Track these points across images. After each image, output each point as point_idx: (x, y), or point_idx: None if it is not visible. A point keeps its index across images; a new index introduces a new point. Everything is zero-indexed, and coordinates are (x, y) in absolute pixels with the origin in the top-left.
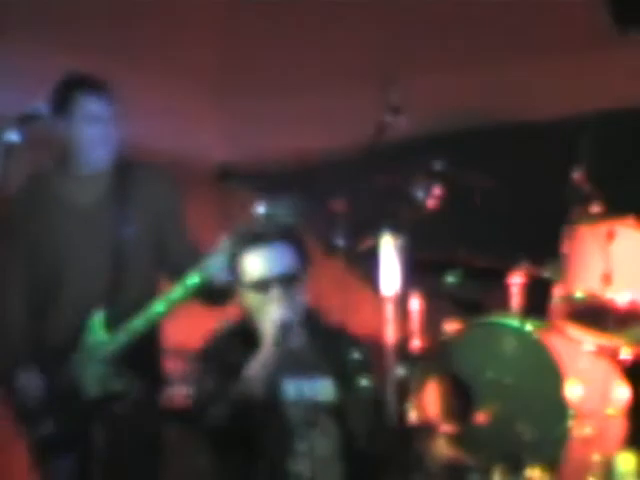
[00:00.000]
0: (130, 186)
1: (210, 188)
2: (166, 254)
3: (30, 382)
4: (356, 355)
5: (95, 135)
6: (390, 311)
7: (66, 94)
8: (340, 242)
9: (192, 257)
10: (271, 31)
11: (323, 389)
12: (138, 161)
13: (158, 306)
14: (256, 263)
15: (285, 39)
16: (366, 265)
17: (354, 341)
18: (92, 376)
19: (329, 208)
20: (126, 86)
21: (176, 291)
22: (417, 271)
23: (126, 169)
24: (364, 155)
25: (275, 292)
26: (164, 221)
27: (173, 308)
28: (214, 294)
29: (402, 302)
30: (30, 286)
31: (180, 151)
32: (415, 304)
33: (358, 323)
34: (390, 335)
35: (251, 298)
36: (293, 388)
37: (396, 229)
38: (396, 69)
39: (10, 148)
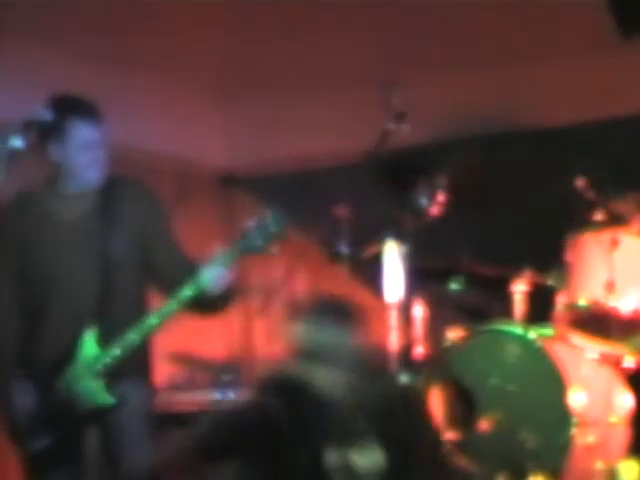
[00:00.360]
0: (115, 202)
1: (213, 193)
2: (154, 268)
3: (22, 398)
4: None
5: (87, 160)
6: (394, 318)
7: (59, 120)
8: (344, 249)
9: (183, 269)
10: (273, 35)
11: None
12: (123, 177)
13: (152, 319)
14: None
15: (287, 43)
16: (370, 272)
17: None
18: (85, 390)
19: (333, 214)
20: (127, 90)
21: (170, 304)
22: (420, 278)
23: (112, 185)
24: (368, 161)
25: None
26: (150, 236)
27: (166, 321)
28: (208, 305)
29: (406, 309)
30: (20, 300)
31: (182, 156)
32: (418, 311)
33: (362, 330)
34: (394, 342)
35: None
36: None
37: (400, 236)
38: (399, 74)
39: (14, 154)
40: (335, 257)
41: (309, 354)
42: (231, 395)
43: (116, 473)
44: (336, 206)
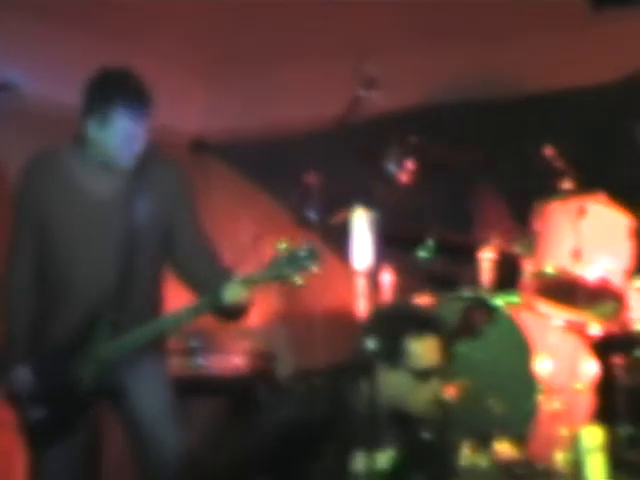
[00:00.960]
0: (146, 182)
1: (185, 159)
2: (175, 255)
3: (26, 374)
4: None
5: (126, 148)
6: (362, 285)
7: (107, 106)
8: (313, 215)
9: (204, 262)
10: (247, 5)
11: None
12: (156, 155)
13: (167, 322)
14: (427, 351)
15: (260, 12)
16: (339, 239)
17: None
18: (91, 373)
19: (303, 181)
20: (100, 56)
21: (186, 313)
22: (389, 245)
23: (144, 164)
24: (338, 129)
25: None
26: (175, 220)
27: (180, 326)
28: (220, 314)
29: (374, 276)
30: (37, 280)
31: (155, 122)
32: (387, 278)
33: (330, 296)
34: (361, 309)
35: (401, 382)
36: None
37: (369, 203)
38: (371, 42)
39: None
40: (304, 223)
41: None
42: (200, 361)
43: (145, 455)
44: (306, 173)
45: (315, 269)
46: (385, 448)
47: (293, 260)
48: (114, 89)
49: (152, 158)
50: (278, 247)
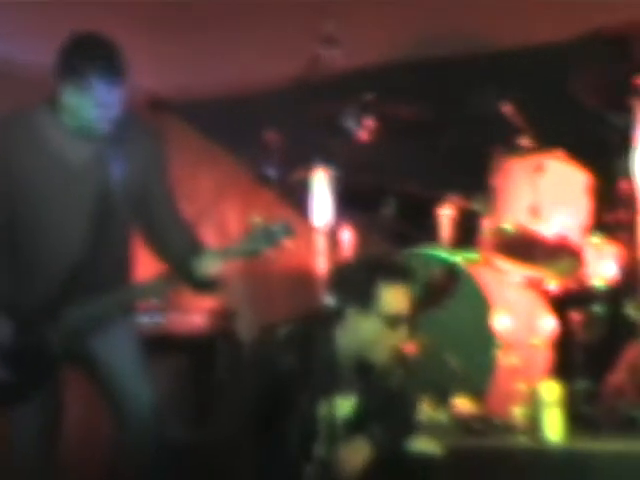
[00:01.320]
0: (120, 147)
1: (143, 118)
2: (148, 216)
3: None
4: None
5: (102, 114)
6: (321, 242)
7: (82, 73)
8: (273, 173)
9: (174, 229)
10: None
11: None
12: (132, 119)
13: (136, 291)
14: (397, 298)
15: None
16: (298, 196)
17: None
18: (60, 338)
19: (262, 139)
20: (53, 17)
21: (157, 284)
22: (349, 203)
23: (119, 128)
24: (297, 87)
25: (402, 331)
26: (150, 183)
27: (149, 297)
28: (200, 285)
29: (334, 233)
30: (6, 247)
31: None
32: (346, 235)
33: (289, 254)
34: (321, 266)
35: (371, 327)
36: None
37: (328, 161)
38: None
39: None
40: (264, 181)
41: None
42: (160, 320)
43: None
44: (266, 130)
45: (286, 244)
46: (347, 395)
47: (268, 235)
48: (89, 57)
49: (130, 124)
50: (252, 222)
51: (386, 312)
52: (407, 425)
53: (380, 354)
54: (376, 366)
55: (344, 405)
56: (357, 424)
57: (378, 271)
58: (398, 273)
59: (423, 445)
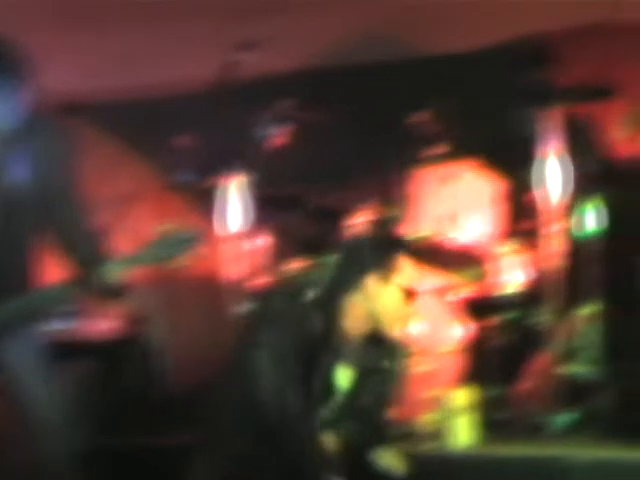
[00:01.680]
0: (26, 146)
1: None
2: (55, 220)
3: None
4: None
5: (3, 113)
6: (234, 249)
7: None
8: (185, 178)
9: (82, 229)
10: None
11: None
12: (41, 118)
13: (38, 298)
14: (411, 273)
15: None
16: (213, 201)
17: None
18: None
19: (177, 143)
20: None
21: (62, 290)
22: (264, 209)
23: (26, 127)
24: (213, 91)
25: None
26: (58, 185)
27: (53, 305)
28: (105, 294)
29: (249, 240)
30: None
31: None
32: (261, 242)
33: (201, 260)
34: (235, 272)
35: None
36: None
37: (244, 166)
38: (253, 3)
39: None
40: (178, 186)
41: None
42: (71, 325)
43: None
44: (180, 135)
45: (197, 252)
46: (346, 365)
47: (177, 242)
48: None
49: (38, 126)
50: (162, 229)
51: (403, 285)
52: (380, 429)
53: (394, 326)
54: (386, 341)
55: (342, 375)
56: (345, 399)
57: (396, 244)
58: (412, 253)
59: (389, 460)
